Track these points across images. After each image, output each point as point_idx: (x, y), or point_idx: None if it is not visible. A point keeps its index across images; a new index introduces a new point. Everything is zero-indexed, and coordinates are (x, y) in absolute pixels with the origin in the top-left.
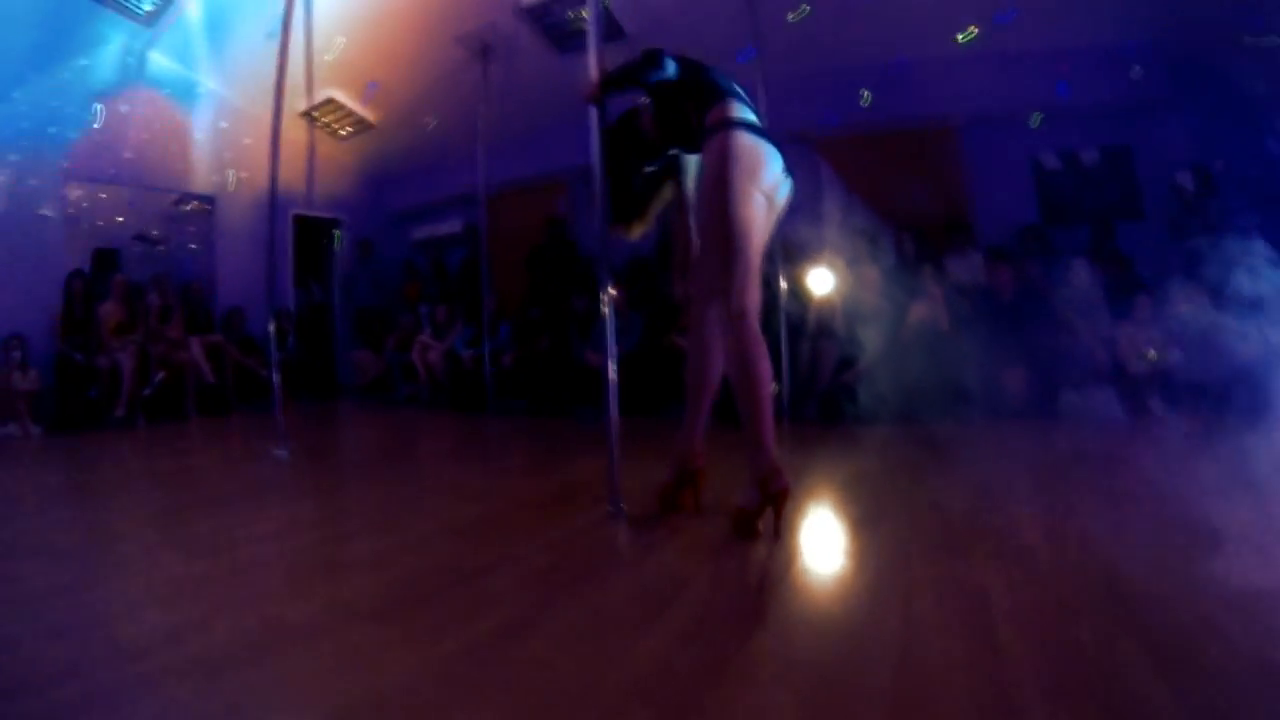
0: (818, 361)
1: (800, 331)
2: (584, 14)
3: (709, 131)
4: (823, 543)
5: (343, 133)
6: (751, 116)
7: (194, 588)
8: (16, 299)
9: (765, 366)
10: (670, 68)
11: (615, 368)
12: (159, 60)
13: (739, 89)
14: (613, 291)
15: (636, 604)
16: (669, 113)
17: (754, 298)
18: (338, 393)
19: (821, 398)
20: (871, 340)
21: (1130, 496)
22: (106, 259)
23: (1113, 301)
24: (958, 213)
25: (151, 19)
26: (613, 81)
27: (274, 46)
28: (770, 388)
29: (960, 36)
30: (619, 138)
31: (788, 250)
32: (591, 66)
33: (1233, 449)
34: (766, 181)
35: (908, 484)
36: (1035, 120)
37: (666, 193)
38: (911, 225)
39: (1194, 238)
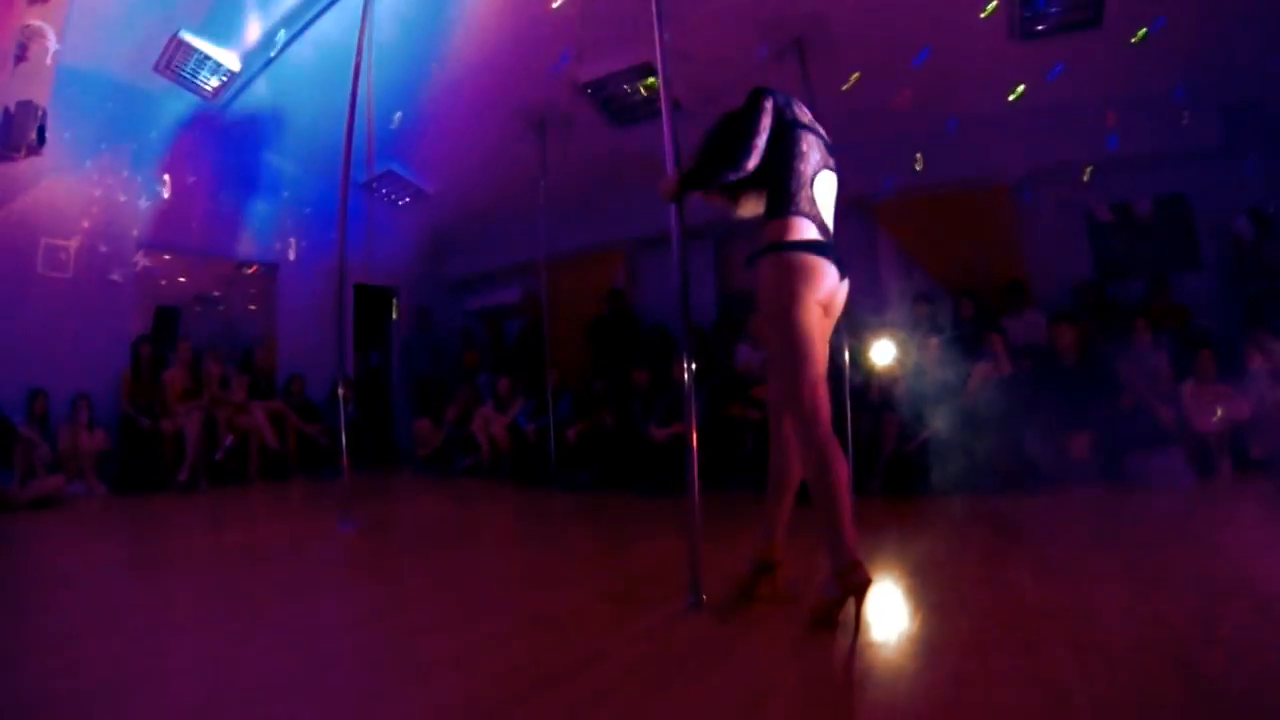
0: (880, 433)
1: (863, 402)
2: (642, 90)
3: (764, 250)
4: (903, 633)
5: (400, 203)
6: (813, 232)
7: (285, 684)
8: (83, 360)
9: (840, 466)
10: (752, 161)
11: (695, 448)
12: (224, 131)
13: (817, 173)
14: (692, 365)
15: (730, 702)
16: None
17: (824, 401)
18: (396, 461)
19: (885, 470)
20: (934, 410)
21: (1208, 577)
22: (167, 317)
23: (1175, 358)
24: (1014, 271)
25: (217, 94)
26: (692, 180)
27: (332, 120)
28: (846, 484)
29: (1011, 97)
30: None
31: (849, 321)
32: (668, 163)
33: None
34: (822, 292)
35: (980, 565)
36: (1087, 174)
37: (755, 198)
38: (969, 287)
39: (1254, 283)
